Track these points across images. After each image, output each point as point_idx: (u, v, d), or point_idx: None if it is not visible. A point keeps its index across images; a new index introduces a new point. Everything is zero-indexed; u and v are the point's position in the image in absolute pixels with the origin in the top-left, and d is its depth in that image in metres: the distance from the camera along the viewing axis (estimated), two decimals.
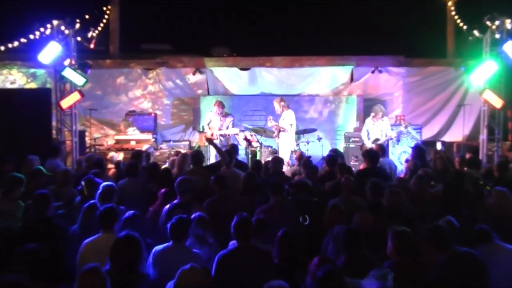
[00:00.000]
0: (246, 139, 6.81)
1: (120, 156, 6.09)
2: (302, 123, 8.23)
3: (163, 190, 3.63)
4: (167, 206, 3.38)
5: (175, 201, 3.42)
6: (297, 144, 7.52)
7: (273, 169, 4.52)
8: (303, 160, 4.66)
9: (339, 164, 4.39)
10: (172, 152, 5.87)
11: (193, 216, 2.86)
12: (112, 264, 2.29)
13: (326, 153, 7.97)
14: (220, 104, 6.75)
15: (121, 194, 3.60)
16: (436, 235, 2.35)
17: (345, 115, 8.77)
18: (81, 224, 3.01)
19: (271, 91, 8.91)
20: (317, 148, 7.81)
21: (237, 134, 6.92)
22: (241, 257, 2.54)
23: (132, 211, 2.97)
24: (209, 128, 6.91)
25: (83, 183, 3.54)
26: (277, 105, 6.64)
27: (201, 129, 8.20)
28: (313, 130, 7.57)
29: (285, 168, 5.91)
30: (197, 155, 4.53)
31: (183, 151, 7.05)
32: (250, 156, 6.85)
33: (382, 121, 6.70)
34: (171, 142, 7.94)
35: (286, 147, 6.62)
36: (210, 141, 5.20)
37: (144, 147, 6.38)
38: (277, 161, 4.63)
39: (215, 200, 3.53)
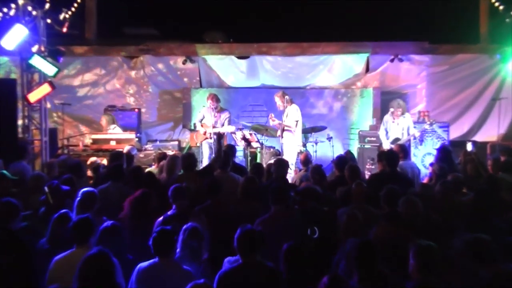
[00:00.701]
0: (244, 138, 6.83)
1: (104, 162, 6.04)
2: (310, 120, 8.26)
3: (137, 193, 3.55)
4: (160, 218, 3.40)
5: (170, 212, 3.40)
6: (304, 145, 7.55)
7: (276, 173, 4.52)
8: (313, 167, 4.62)
9: (348, 166, 4.36)
10: (156, 154, 5.86)
11: (185, 226, 2.85)
12: (79, 286, 2.27)
13: (337, 155, 8.15)
14: (215, 98, 6.75)
15: (102, 202, 3.65)
16: (478, 249, 2.27)
17: (360, 111, 8.80)
18: (50, 238, 2.97)
19: (274, 83, 8.93)
20: (327, 149, 7.85)
21: (234, 133, 6.94)
22: (247, 276, 2.49)
23: (111, 221, 2.96)
24: (202, 126, 6.91)
25: (46, 189, 3.49)
26: (278, 100, 6.61)
27: (192, 127, 8.23)
28: (323, 128, 7.60)
29: (290, 173, 5.95)
30: (188, 158, 4.53)
31: (171, 152, 7.09)
32: (249, 158, 6.89)
33: (403, 118, 6.70)
34: (158, 142, 7.95)
35: (292, 148, 6.59)
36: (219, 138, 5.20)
37: (126, 148, 6.29)
38: (281, 164, 4.65)
39: (207, 208, 3.51)
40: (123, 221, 3.34)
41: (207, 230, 3.04)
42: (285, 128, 6.48)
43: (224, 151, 5.04)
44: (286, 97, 6.51)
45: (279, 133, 6.56)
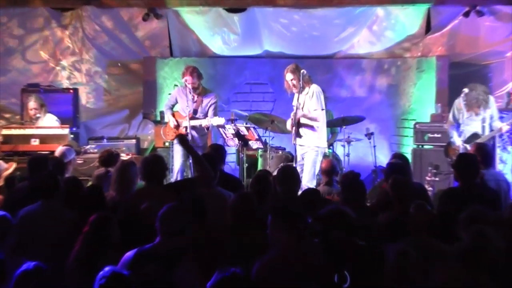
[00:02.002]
0: (238, 135, 6.83)
1: (12, 168, 6.04)
2: (339, 107, 8.26)
3: (92, 218, 3.64)
4: (128, 253, 3.42)
5: (147, 246, 3.43)
6: (331, 146, 7.59)
7: (282, 187, 4.56)
8: (344, 180, 4.63)
9: (395, 181, 4.36)
10: (100, 154, 5.86)
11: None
12: None
13: (382, 159, 8.05)
14: (194, 74, 6.78)
15: (25, 231, 3.64)
16: None
17: (417, 93, 8.85)
18: None
19: (283, 51, 8.92)
20: (366, 151, 7.89)
21: (222, 127, 6.95)
22: None
23: (33, 263, 2.96)
24: (174, 116, 6.95)
25: None
26: (290, 78, 6.46)
27: (157, 118, 8.23)
28: (359, 119, 7.61)
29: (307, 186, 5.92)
30: (152, 164, 4.50)
31: (125, 156, 7.10)
32: (245, 165, 6.87)
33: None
34: (105, 140, 7.96)
35: (312, 152, 6.46)
36: (183, 141, 5.16)
37: (59, 150, 6.23)
38: (288, 173, 4.68)
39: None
40: (70, 264, 3.41)
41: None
42: (302, 122, 6.39)
43: (207, 154, 5.03)
44: (303, 71, 6.36)
45: (288, 126, 6.44)
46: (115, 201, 4.40)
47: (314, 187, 5.81)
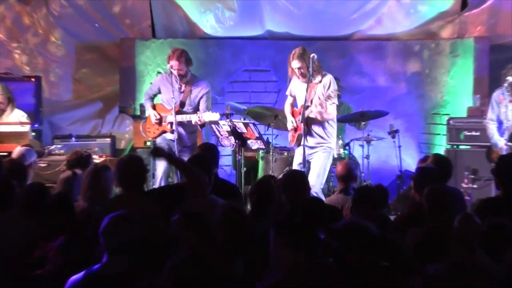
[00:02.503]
0: (235, 132, 6.80)
1: None
2: (357, 98, 8.26)
3: (58, 243, 3.64)
4: (76, 276, 3.45)
5: (96, 267, 3.44)
6: (346, 146, 7.56)
7: (289, 197, 4.58)
8: (362, 187, 4.63)
9: (436, 192, 4.30)
10: (68, 157, 5.89)
11: None
12: None
13: (409, 162, 8.10)
14: (182, 58, 6.76)
15: None
16: None
17: (450, 82, 8.87)
18: None
19: (289, 31, 8.94)
20: (389, 153, 7.91)
21: (216, 123, 6.92)
22: None
23: None
24: (155, 109, 6.95)
25: None
26: (297, 65, 6.42)
27: (137, 112, 8.27)
28: (381, 114, 7.60)
29: (318, 195, 5.89)
30: (130, 167, 4.50)
31: (98, 159, 7.08)
32: (243, 169, 6.85)
33: None
34: (73, 139, 7.98)
35: (323, 155, 6.46)
36: (158, 153, 5.13)
37: (17, 151, 6.20)
38: (296, 180, 4.68)
39: (189, 262, 3.54)
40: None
41: None
42: (313, 118, 6.35)
43: (197, 157, 5.01)
44: (313, 55, 6.34)
45: (290, 125, 6.42)
46: (86, 212, 4.34)
47: (318, 195, 5.84)
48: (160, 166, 6.75)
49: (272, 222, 3.62)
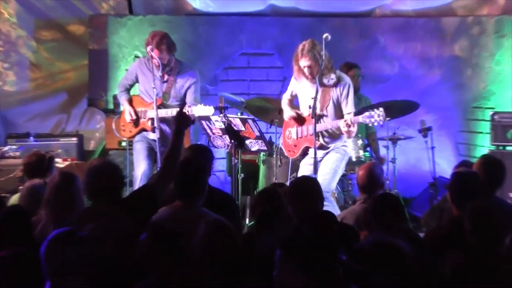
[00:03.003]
0: (229, 130, 6.77)
1: None
2: (379, 89, 8.31)
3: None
4: None
5: None
6: (367, 147, 7.58)
7: (298, 209, 4.60)
8: (385, 196, 4.63)
9: (480, 210, 4.25)
10: (24, 160, 5.85)
11: None
12: None
13: (444, 167, 8.07)
14: (162, 45, 6.80)
15: None
16: None
17: (495, 69, 8.86)
18: None
19: (297, 6, 8.94)
20: (420, 155, 7.90)
21: (206, 119, 6.88)
22: None
23: None
24: (131, 104, 6.94)
25: None
26: (305, 63, 6.32)
27: (110, 105, 8.27)
28: (410, 108, 7.52)
29: (332, 207, 5.92)
30: (101, 173, 4.49)
31: (61, 164, 7.11)
32: (240, 176, 6.89)
33: None
34: (32, 138, 8.03)
35: (338, 158, 6.54)
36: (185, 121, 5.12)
37: None
38: (306, 189, 4.70)
39: None
40: None
41: None
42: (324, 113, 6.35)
43: (187, 160, 4.99)
44: (326, 36, 6.26)
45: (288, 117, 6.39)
46: (46, 231, 4.32)
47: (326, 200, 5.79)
48: (139, 169, 6.80)
49: (278, 240, 3.58)
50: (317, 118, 6.19)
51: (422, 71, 8.91)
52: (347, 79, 6.33)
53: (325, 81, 6.18)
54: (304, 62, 6.19)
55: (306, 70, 6.21)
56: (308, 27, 8.41)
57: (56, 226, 4.28)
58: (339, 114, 6.25)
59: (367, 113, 6.09)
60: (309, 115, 6.27)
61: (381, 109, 6.08)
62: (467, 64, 8.88)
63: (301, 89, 6.38)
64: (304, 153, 6.43)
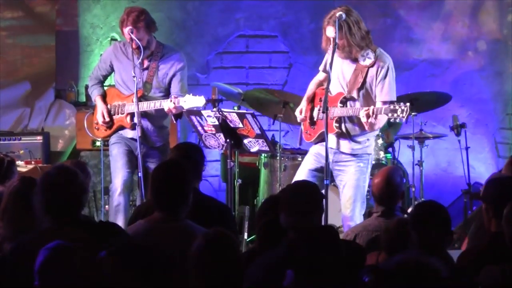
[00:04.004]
0: (224, 127, 6.79)
1: None
2: (404, 77, 8.38)
3: None
4: None
5: None
6: (389, 148, 7.65)
7: (291, 221, 4.57)
8: (420, 209, 4.65)
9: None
10: None
11: None
12: None
13: (481, 171, 8.19)
14: (139, 22, 6.84)
15: None
16: None
17: None
18: None
19: None
20: (452, 157, 8.00)
21: (197, 115, 6.90)
22: None
23: None
24: (105, 99, 6.99)
25: None
26: (332, 34, 6.35)
27: (81, 98, 8.31)
28: (441, 100, 7.66)
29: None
30: (67, 181, 4.45)
31: (24, 166, 7.18)
32: (236, 182, 6.96)
33: None
34: None
35: (359, 163, 6.56)
36: None
37: None
38: (299, 197, 4.68)
39: None
40: None
41: None
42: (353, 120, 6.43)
43: (165, 164, 5.06)
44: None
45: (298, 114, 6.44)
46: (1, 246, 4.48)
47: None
48: (118, 176, 6.83)
49: (291, 260, 3.71)
50: (345, 101, 6.24)
51: (454, 56, 8.99)
52: (388, 59, 6.36)
53: (360, 58, 6.26)
54: (330, 32, 6.24)
55: (338, 43, 6.21)
56: (319, 4, 8.42)
57: (14, 240, 4.36)
58: (369, 101, 6.32)
59: (391, 106, 6.15)
60: (338, 95, 6.34)
61: (408, 104, 6.13)
62: (508, 48, 8.94)
63: (335, 64, 6.35)
64: (322, 139, 6.35)
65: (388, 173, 5.60)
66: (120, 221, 6.37)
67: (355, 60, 6.23)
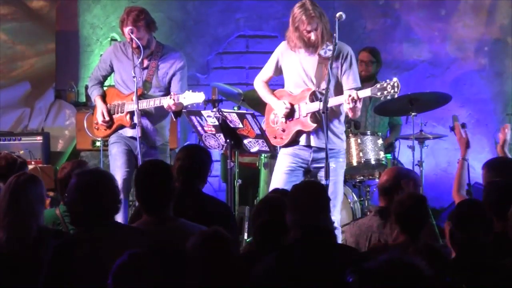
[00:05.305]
0: (224, 128, 6.76)
1: None
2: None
3: None
4: None
5: None
6: (390, 148, 7.65)
7: (298, 219, 4.52)
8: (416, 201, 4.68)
9: None
10: None
11: None
12: None
13: (479, 174, 8.07)
14: (139, 22, 6.84)
15: None
16: None
17: None
18: None
19: None
20: (452, 157, 7.97)
21: (196, 115, 6.89)
22: None
23: None
24: (105, 100, 6.98)
25: None
26: (311, 26, 6.41)
27: (81, 98, 8.33)
28: (441, 100, 7.63)
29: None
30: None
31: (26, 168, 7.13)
32: (237, 182, 6.96)
33: None
34: None
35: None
36: None
37: None
38: (311, 194, 4.67)
39: None
40: None
41: None
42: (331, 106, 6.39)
43: (146, 165, 5.07)
44: (340, 15, 6.33)
45: (280, 109, 6.41)
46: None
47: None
48: (117, 175, 6.70)
49: (355, 268, 3.54)
50: (313, 96, 6.24)
51: (455, 56, 8.98)
52: (348, 47, 6.37)
53: (321, 52, 6.25)
54: (312, 26, 6.22)
55: (312, 35, 6.23)
56: (318, 4, 8.39)
57: (7, 238, 4.35)
58: (340, 92, 6.29)
59: (377, 85, 6.15)
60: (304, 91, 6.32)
61: (394, 79, 6.13)
62: (508, 48, 8.94)
63: (291, 62, 6.39)
64: (294, 140, 6.39)
65: (396, 171, 5.68)
66: (120, 221, 6.35)
67: (312, 53, 6.22)
